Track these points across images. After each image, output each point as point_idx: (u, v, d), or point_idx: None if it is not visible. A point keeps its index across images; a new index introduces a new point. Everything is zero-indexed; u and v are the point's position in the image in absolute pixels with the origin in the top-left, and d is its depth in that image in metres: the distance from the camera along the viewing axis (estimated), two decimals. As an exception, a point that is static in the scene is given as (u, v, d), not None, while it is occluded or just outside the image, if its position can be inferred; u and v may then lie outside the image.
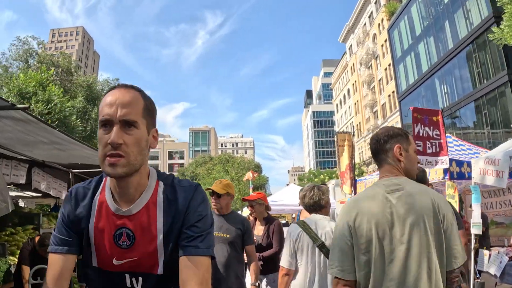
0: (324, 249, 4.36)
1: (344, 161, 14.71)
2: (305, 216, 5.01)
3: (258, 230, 6.82)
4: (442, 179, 9.39)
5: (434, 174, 9.64)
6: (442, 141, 8.49)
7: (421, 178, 5.17)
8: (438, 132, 8.49)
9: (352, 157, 14.75)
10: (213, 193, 5.42)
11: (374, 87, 67.07)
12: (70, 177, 9.83)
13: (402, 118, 51.18)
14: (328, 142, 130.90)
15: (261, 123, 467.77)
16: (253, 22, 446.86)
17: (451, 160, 8.94)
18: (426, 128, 8.45)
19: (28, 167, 8.23)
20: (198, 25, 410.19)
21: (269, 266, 6.44)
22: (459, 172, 9.26)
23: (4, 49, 78.84)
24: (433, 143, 8.48)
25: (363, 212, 2.61)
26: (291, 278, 4.48)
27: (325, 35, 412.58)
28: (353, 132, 19.93)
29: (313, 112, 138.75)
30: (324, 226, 4.52)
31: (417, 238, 2.47)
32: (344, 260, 2.60)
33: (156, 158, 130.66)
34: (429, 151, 8.44)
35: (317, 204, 4.74)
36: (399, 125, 52.51)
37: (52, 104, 26.64)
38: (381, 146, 2.84)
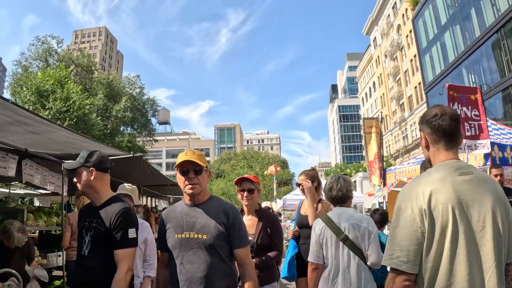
0: (347, 242, 4.31)
1: (372, 149, 13.93)
2: (305, 208, 5.17)
3: (248, 226, 4.68)
4: (483, 165, 8.28)
5: (473, 160, 8.62)
6: (482, 122, 7.62)
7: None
8: (477, 112, 7.67)
9: (380, 145, 13.95)
10: (184, 167, 3.55)
11: (399, 79, 66.07)
12: (63, 169, 8.67)
13: (430, 107, 50.16)
14: (354, 136, 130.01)
15: (287, 119, 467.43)
16: (275, 18, 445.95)
17: (492, 144, 8.03)
18: (464, 108, 7.59)
19: (18, 159, 7.39)
20: (220, 23, 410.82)
21: (264, 276, 4.92)
22: (502, 157, 8.31)
23: (23, 49, 79.11)
24: (472, 125, 7.62)
25: (436, 194, 2.37)
26: (320, 272, 4.43)
27: (348, 28, 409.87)
28: (381, 119, 18.96)
29: (339, 106, 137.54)
30: (348, 218, 4.44)
31: (492, 225, 2.33)
32: (411, 250, 2.34)
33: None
34: (467, 133, 7.58)
35: (345, 196, 4.67)
36: (426, 117, 51.71)
37: (71, 102, 26.57)
38: (458, 126, 2.68)
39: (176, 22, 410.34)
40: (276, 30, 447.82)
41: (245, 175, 5.14)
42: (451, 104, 7.67)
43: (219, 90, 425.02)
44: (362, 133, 14.58)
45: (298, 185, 6.05)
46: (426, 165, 5.34)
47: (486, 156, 8.02)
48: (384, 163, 16.20)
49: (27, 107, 25.84)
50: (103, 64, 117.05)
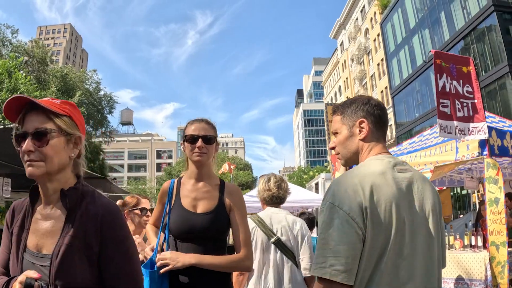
0: (279, 245, 4.17)
1: None
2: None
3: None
4: (478, 155, 6.70)
5: (465, 149, 6.97)
6: (476, 101, 6.18)
7: None
8: (470, 89, 6.25)
9: None
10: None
11: (366, 83, 65.69)
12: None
13: (396, 114, 49.77)
14: (319, 141, 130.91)
15: (252, 123, 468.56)
16: (243, 21, 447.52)
17: (490, 129, 6.55)
18: (454, 82, 6.14)
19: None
20: (188, 25, 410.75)
21: None
22: (501, 146, 6.76)
23: None
24: (464, 104, 6.16)
25: (378, 190, 2.06)
26: (246, 277, 4.16)
27: (316, 33, 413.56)
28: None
29: (304, 111, 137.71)
30: (280, 220, 4.29)
31: (433, 228, 2.19)
32: (349, 256, 1.95)
33: (144, 157, 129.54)
34: (459, 114, 6.16)
35: (285, 197, 4.53)
36: (392, 122, 51.39)
37: (18, 93, 24.71)
38: (387, 118, 2.46)
39: (143, 23, 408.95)
40: (243, 33, 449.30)
41: None
42: (438, 76, 6.29)
43: (184, 93, 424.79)
44: (325, 122, 12.97)
45: None
46: None
47: (483, 143, 6.54)
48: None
49: None
50: (67, 61, 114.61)
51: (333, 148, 2.61)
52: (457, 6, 35.56)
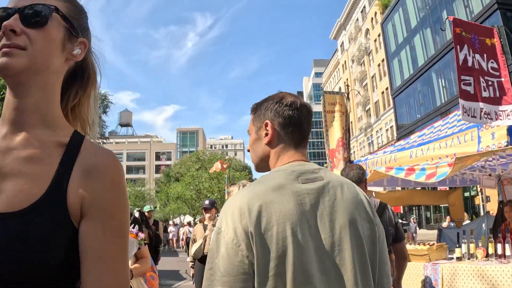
0: None
1: (335, 134, 10.78)
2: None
3: None
4: (507, 145, 5.56)
5: (490, 138, 5.84)
6: (503, 79, 5.27)
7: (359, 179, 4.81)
8: (495, 65, 5.35)
9: (346, 129, 10.92)
10: None
11: (366, 84, 65.12)
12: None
13: (397, 115, 49.02)
14: (319, 143, 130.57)
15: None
16: (243, 23, 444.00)
17: None
18: (477, 56, 5.22)
19: None
20: (187, 27, 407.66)
21: None
22: None
23: None
24: (490, 83, 5.20)
25: (270, 210, 1.73)
26: None
27: (316, 34, 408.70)
28: (347, 95, 14.70)
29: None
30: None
31: (350, 247, 1.79)
32: None
33: (142, 159, 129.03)
34: (484, 94, 5.16)
35: None
36: (393, 124, 50.78)
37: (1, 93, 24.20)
38: (310, 120, 2.10)
39: (143, 25, 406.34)
40: (243, 36, 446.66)
41: None
42: (458, 47, 5.35)
43: (184, 95, 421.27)
44: (322, 113, 11.49)
45: None
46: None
47: (511, 131, 5.43)
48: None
49: None
50: None
51: (249, 151, 2.24)
52: (459, 5, 34.99)
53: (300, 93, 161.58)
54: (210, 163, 64.11)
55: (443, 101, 36.59)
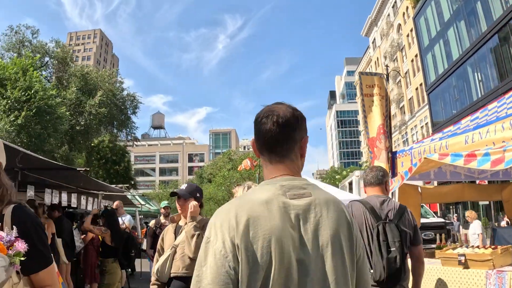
0: None
1: (375, 120, 9.75)
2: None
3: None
4: None
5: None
6: None
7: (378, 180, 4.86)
8: None
9: (387, 115, 9.76)
10: None
11: (400, 81, 63.81)
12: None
13: (432, 111, 47.84)
14: (353, 142, 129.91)
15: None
16: (273, 24, 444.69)
17: None
18: None
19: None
20: (218, 29, 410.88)
21: None
22: None
23: None
24: None
25: (257, 224, 1.82)
26: None
27: (347, 32, 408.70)
28: (387, 76, 12.82)
29: (337, 111, 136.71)
30: None
31: (333, 265, 1.86)
32: None
33: (175, 161, 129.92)
34: None
35: None
36: (428, 121, 49.72)
37: (32, 91, 24.56)
38: (289, 131, 2.01)
39: (173, 28, 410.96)
40: (273, 36, 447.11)
41: None
42: None
43: (216, 97, 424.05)
44: (358, 95, 10.45)
45: None
46: None
47: None
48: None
49: None
50: (98, 66, 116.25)
51: None
52: (494, -5, 33.60)
53: (333, 92, 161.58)
54: (241, 163, 63.95)
55: (479, 96, 35.44)
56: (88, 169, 9.46)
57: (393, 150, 9.54)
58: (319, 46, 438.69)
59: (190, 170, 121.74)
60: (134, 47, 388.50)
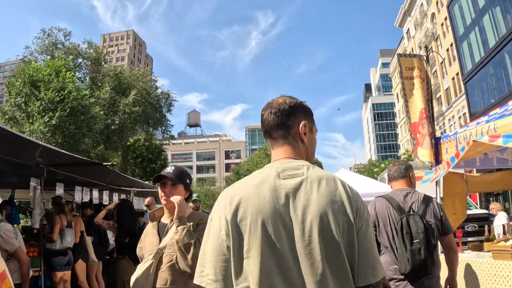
0: None
1: (416, 105, 9.49)
2: None
3: None
4: None
5: None
6: None
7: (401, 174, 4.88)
8: None
9: (429, 99, 9.53)
10: None
11: (435, 71, 62.68)
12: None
13: (469, 101, 46.94)
14: (390, 135, 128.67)
15: (321, 121, 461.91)
16: (304, 18, 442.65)
17: None
18: None
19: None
20: (250, 26, 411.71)
21: None
22: None
23: (28, 43, 79.77)
24: None
25: (247, 203, 2.02)
26: None
27: (380, 24, 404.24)
28: (427, 58, 11.99)
29: (373, 104, 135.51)
30: None
31: (319, 241, 1.95)
32: (217, 267, 2.01)
33: (212, 158, 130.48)
34: None
35: None
36: (465, 111, 48.85)
37: (66, 92, 24.98)
38: (282, 118, 2.25)
39: (206, 26, 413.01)
40: (306, 31, 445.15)
41: None
42: None
43: (251, 93, 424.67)
44: (398, 79, 10.05)
45: None
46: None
47: None
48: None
49: (20, 98, 25.77)
50: (132, 67, 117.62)
51: None
52: (529, -21, 32.81)
53: (368, 85, 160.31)
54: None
55: (518, 83, 34.57)
56: (115, 163, 9.28)
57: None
58: (353, 39, 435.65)
59: (227, 167, 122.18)
60: (167, 46, 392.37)
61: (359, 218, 2.02)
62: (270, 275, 1.90)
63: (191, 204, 10.15)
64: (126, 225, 8.94)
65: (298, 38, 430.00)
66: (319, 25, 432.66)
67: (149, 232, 4.05)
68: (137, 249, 4.12)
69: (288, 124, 2.24)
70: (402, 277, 4.27)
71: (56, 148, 9.04)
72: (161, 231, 3.93)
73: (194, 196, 11.03)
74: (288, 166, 2.12)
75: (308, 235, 1.94)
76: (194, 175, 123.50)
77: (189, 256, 3.52)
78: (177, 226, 3.66)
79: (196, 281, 2.06)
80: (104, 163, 9.61)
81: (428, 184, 8.67)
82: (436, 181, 8.36)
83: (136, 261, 8.08)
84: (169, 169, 4.01)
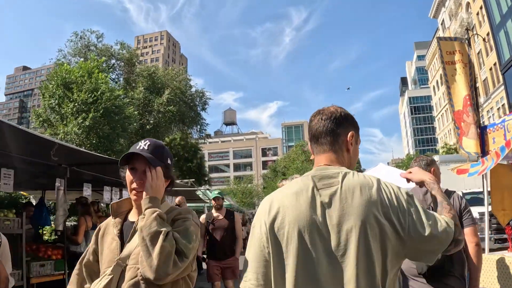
0: None
1: (460, 91, 8.96)
2: None
3: None
4: None
5: None
6: None
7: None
8: None
9: (473, 84, 9.01)
10: None
11: (472, 61, 61.31)
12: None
13: (508, 92, 45.95)
14: (427, 129, 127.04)
15: (357, 116, 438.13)
16: (338, 13, 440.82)
17: None
18: None
19: None
20: (283, 23, 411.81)
21: None
22: None
23: (58, 42, 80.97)
24: None
25: (285, 212, 2.09)
26: None
27: (414, 16, 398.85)
28: (468, 42, 11.09)
29: (409, 98, 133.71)
30: None
31: (356, 249, 1.97)
32: (259, 273, 2.09)
33: (249, 156, 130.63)
34: None
35: None
36: (504, 102, 47.88)
37: (99, 93, 25.26)
38: (332, 125, 2.31)
39: (238, 25, 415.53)
40: (339, 26, 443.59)
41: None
42: None
43: (286, 90, 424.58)
44: (434, 71, 9.22)
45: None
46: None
47: None
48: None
49: (53, 100, 26.02)
50: (166, 67, 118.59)
51: None
52: None
53: (404, 79, 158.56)
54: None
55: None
56: None
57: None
58: (387, 32, 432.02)
59: (264, 164, 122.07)
60: (201, 46, 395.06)
61: (403, 216, 2.03)
62: (304, 284, 1.97)
63: (213, 202, 9.22)
64: None
65: (331, 33, 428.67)
66: (352, 19, 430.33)
67: (108, 233, 2.81)
68: (81, 258, 2.90)
69: (338, 132, 2.29)
70: (421, 276, 4.23)
71: (73, 146, 8.94)
72: (125, 233, 2.74)
73: (216, 193, 9.38)
74: (325, 175, 2.17)
75: (343, 244, 1.98)
76: (231, 173, 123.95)
77: (155, 252, 2.32)
78: (145, 209, 2.50)
79: (241, 285, 2.16)
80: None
81: (475, 177, 8.46)
82: (483, 174, 7.78)
83: None
84: (143, 144, 2.72)
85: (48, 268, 8.23)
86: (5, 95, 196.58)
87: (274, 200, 2.17)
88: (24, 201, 15.87)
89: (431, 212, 2.14)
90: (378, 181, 2.15)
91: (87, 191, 9.77)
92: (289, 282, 1.97)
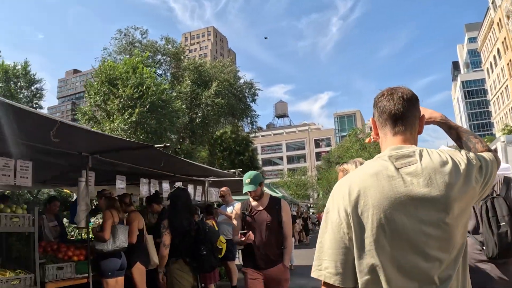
0: None
1: None
2: None
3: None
4: None
5: None
6: None
7: None
8: None
9: None
10: None
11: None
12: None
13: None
14: (482, 113, 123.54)
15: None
16: (384, 0, 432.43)
17: None
18: None
19: None
20: (329, 12, 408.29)
21: None
22: None
23: (106, 44, 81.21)
24: None
25: (367, 194, 2.05)
26: None
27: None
28: None
29: (462, 82, 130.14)
30: None
31: (444, 227, 1.98)
32: (338, 260, 2.06)
33: (302, 148, 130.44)
34: None
35: None
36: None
37: (144, 87, 25.46)
38: (411, 106, 2.29)
39: (284, 17, 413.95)
40: (387, 12, 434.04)
41: None
42: None
43: (336, 80, 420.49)
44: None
45: None
46: None
47: None
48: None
49: (99, 97, 26.20)
50: (214, 61, 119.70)
51: None
52: None
53: (456, 63, 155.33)
54: (370, 136, 63.18)
55: None
56: (168, 144, 7.93)
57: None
58: (436, 16, 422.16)
59: (318, 155, 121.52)
60: (249, 40, 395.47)
61: (480, 175, 2.16)
62: (394, 267, 1.95)
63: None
64: (174, 222, 6.73)
65: (378, 20, 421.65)
66: (399, 5, 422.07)
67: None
68: None
69: (414, 113, 2.29)
70: (488, 260, 4.08)
71: (85, 126, 8.53)
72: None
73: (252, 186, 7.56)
74: (401, 154, 2.15)
75: (440, 221, 1.97)
76: (285, 166, 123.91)
77: None
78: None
79: (313, 274, 2.14)
80: (156, 146, 7.95)
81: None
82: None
83: (191, 264, 6.57)
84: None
85: (67, 271, 7.17)
86: (58, 98, 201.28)
87: (353, 183, 2.11)
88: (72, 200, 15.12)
89: (480, 154, 2.29)
90: (451, 153, 2.18)
91: (121, 184, 8.90)
92: (378, 266, 1.97)
